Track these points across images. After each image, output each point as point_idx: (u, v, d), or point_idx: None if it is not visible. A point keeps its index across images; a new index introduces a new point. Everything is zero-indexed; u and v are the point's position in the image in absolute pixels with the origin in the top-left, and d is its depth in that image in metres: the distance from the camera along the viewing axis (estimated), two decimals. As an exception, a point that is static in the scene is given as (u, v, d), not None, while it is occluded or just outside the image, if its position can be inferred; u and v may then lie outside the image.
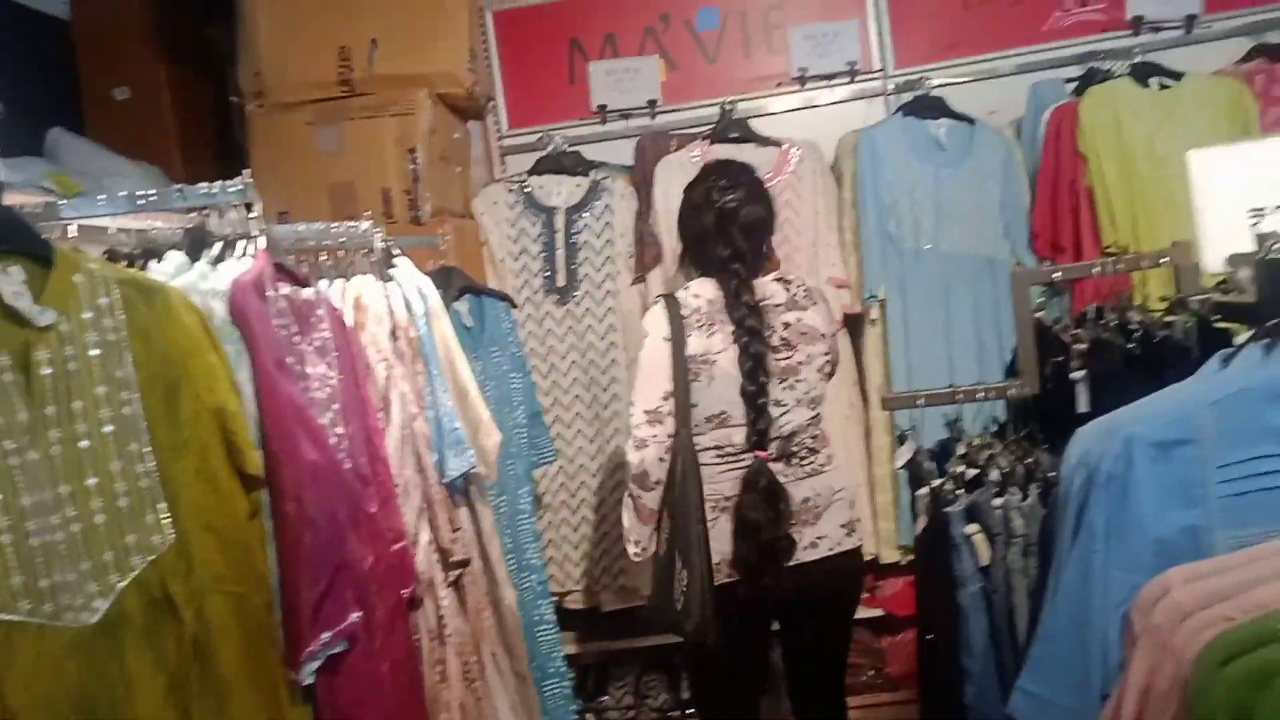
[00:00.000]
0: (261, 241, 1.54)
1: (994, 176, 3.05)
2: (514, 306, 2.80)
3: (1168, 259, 1.52)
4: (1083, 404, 1.42)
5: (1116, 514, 1.13)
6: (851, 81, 3.35)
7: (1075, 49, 3.24)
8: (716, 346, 2.00)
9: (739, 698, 2.21)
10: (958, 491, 1.45)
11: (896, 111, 3.16)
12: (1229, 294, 1.45)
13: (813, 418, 2.02)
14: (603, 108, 3.36)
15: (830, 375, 2.10)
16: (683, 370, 1.98)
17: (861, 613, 3.23)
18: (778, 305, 2.03)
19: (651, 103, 3.36)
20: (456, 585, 1.91)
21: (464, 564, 1.89)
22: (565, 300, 3.15)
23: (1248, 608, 0.98)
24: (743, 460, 1.99)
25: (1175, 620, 1.03)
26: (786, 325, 2.02)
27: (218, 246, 1.53)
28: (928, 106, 3.10)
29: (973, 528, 1.41)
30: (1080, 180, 2.92)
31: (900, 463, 1.62)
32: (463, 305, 2.52)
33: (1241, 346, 1.18)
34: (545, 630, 2.60)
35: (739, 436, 1.99)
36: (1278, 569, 1.00)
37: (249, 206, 1.56)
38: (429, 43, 2.85)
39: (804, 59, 3.32)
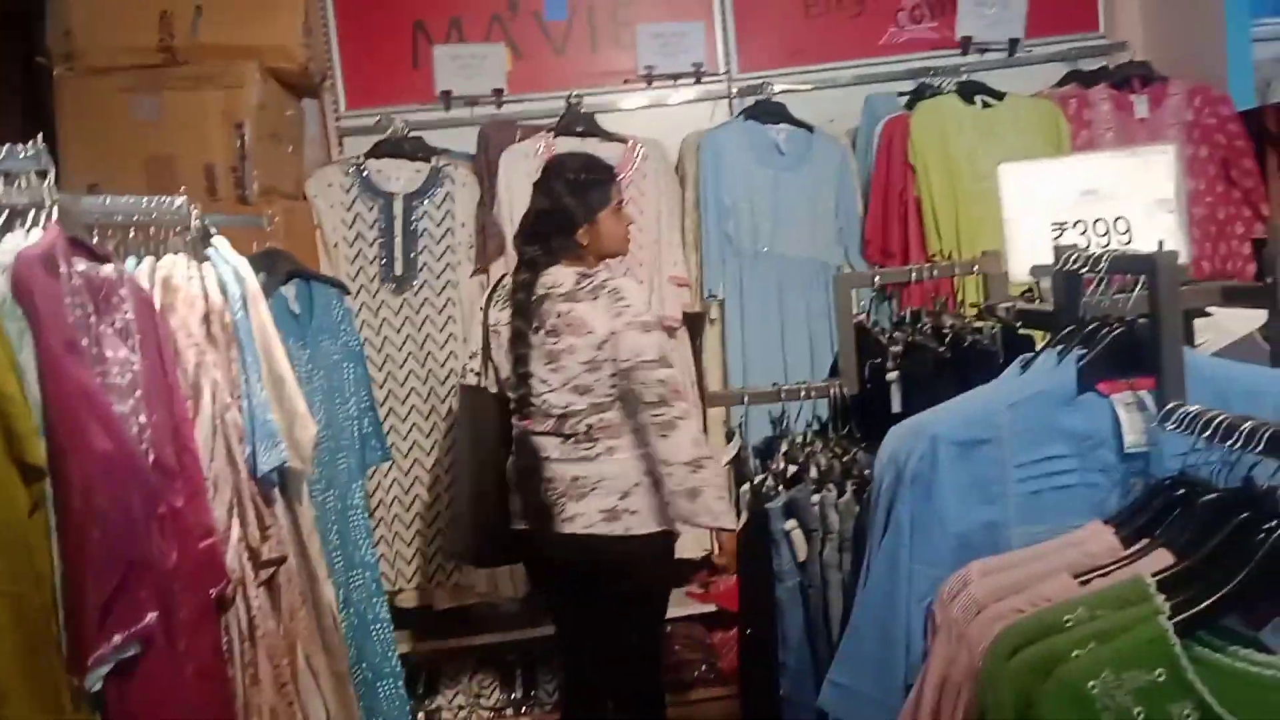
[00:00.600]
0: (56, 212, 1.42)
1: (829, 183, 3.14)
2: (348, 294, 2.71)
3: (978, 267, 1.60)
4: (896, 404, 1.47)
5: (922, 510, 1.17)
6: (697, 82, 3.39)
7: (908, 64, 3.38)
8: (503, 321, 2.26)
9: (582, 682, 2.42)
10: (778, 488, 1.48)
11: (739, 115, 3.21)
12: (1032, 302, 1.53)
13: (587, 406, 2.17)
14: (446, 93, 3.29)
15: (631, 374, 2.13)
16: (486, 339, 2.32)
17: (694, 608, 3.29)
18: (560, 294, 2.18)
19: (497, 91, 3.31)
20: (269, 584, 1.82)
21: (277, 562, 1.80)
22: (402, 289, 3.06)
23: (1036, 600, 1.03)
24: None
25: (971, 613, 1.07)
26: (559, 314, 2.17)
27: (4, 216, 1.40)
28: (769, 112, 3.16)
29: (791, 523, 1.44)
30: (910, 190, 3.05)
31: (725, 459, 1.64)
32: (290, 290, 2.41)
33: (1040, 352, 1.24)
34: (379, 629, 2.52)
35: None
36: (1064, 563, 1.05)
37: (43, 174, 1.44)
38: (259, 13, 2.71)
39: (651, 57, 3.34)
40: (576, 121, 3.11)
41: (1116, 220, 1.47)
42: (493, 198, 3.05)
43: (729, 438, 1.74)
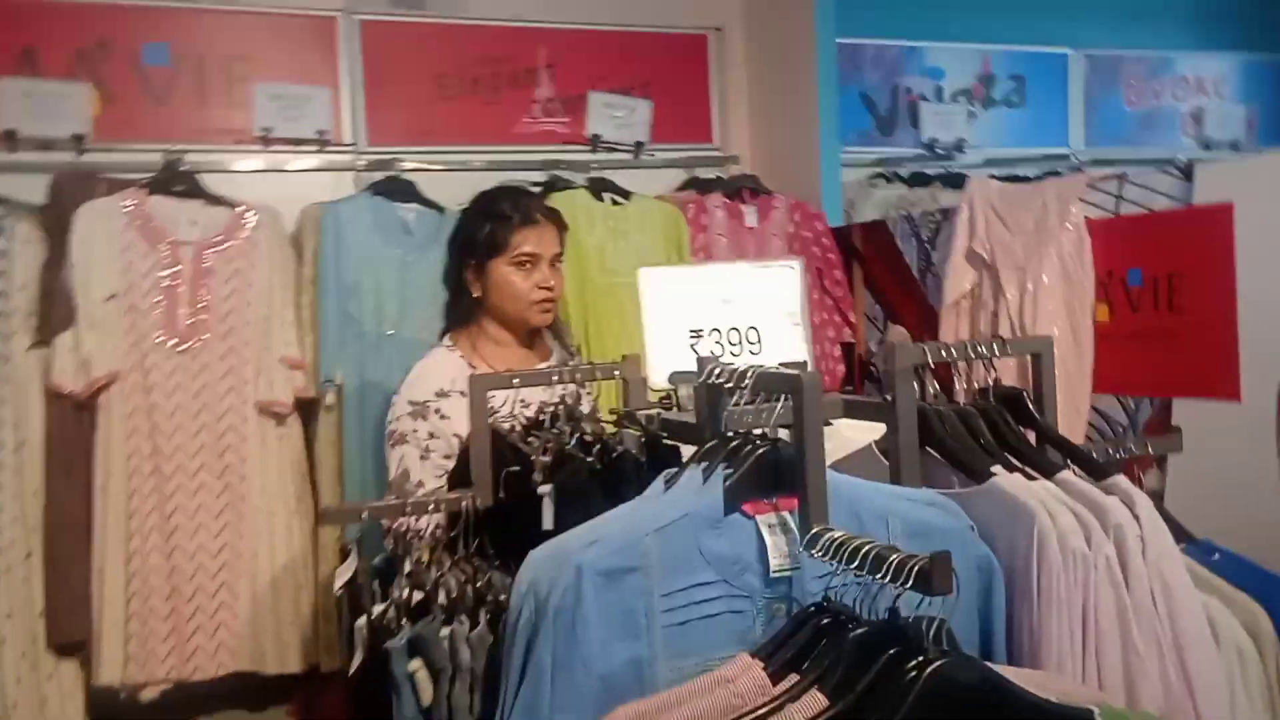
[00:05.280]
0: None
1: (460, 267, 3.02)
2: None
3: (619, 372, 1.54)
4: (548, 520, 1.34)
5: (564, 651, 1.04)
6: (321, 151, 3.16)
7: (541, 155, 3.40)
8: None
9: None
10: (401, 620, 1.29)
11: (366, 190, 3.03)
12: (670, 409, 1.49)
13: None
14: (11, 133, 2.79)
15: None
16: None
17: (296, 729, 2.94)
18: None
19: (78, 137, 2.86)
20: None
21: None
22: (-67, 363, 2.49)
23: (687, 752, 0.93)
24: None
25: (618, 765, 0.95)
26: None
27: None
28: (398, 189, 3.02)
29: (415, 663, 1.25)
30: (540, 281, 3.00)
31: (339, 583, 1.42)
32: None
33: (684, 468, 1.18)
34: None
35: None
36: (714, 706, 0.97)
37: None
38: None
39: (269, 119, 3.07)
40: (176, 180, 2.75)
41: (749, 329, 1.48)
42: (64, 259, 2.59)
43: (344, 555, 1.51)
